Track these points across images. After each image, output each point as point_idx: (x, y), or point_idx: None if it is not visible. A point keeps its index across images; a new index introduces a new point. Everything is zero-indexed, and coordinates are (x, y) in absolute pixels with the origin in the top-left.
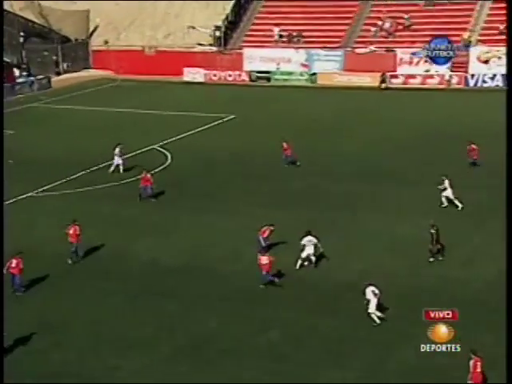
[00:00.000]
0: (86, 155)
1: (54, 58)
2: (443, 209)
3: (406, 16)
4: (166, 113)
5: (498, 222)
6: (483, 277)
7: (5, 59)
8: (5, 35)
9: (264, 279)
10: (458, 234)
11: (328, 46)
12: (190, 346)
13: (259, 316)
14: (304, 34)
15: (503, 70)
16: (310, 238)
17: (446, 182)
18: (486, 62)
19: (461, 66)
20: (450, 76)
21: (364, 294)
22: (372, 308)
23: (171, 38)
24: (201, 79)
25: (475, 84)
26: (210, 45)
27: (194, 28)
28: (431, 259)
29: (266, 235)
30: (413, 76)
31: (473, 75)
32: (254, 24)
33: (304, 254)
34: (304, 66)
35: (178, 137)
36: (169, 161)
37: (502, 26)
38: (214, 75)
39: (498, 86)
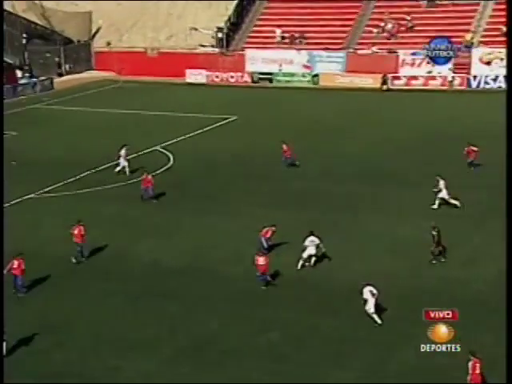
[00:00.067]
0: (89, 156)
1: (57, 59)
2: (443, 210)
3: (408, 17)
4: (168, 114)
5: (498, 222)
6: (483, 277)
7: (7, 60)
8: (7, 36)
9: (260, 280)
10: (458, 235)
11: (330, 47)
12: (192, 347)
13: (260, 317)
14: (306, 35)
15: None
16: (312, 238)
17: (441, 183)
18: (489, 63)
19: (463, 67)
20: (453, 77)
21: (361, 293)
22: (371, 308)
23: (173, 39)
24: (203, 80)
25: (477, 85)
26: (212, 46)
27: (196, 29)
28: (434, 261)
29: (268, 236)
30: (415, 77)
31: (475, 76)
32: (256, 25)
33: (305, 254)
34: (306, 67)
35: (180, 138)
36: (171, 162)
37: (504, 28)
38: (216, 76)
39: (500, 87)
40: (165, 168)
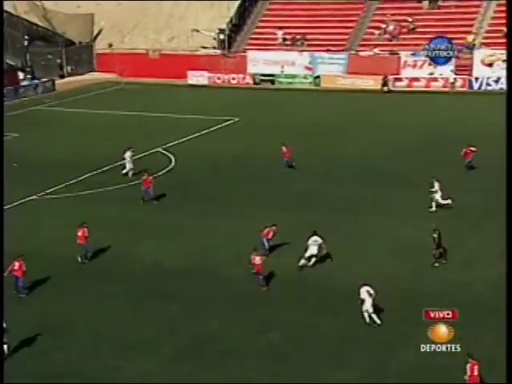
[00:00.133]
0: (91, 158)
1: (58, 61)
2: (442, 212)
3: (409, 19)
4: (170, 116)
5: (495, 224)
6: (483, 279)
7: (9, 62)
8: (9, 38)
9: (259, 279)
10: (456, 237)
11: (332, 48)
12: (192, 348)
13: (260, 317)
14: (308, 36)
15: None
16: (315, 238)
17: (436, 185)
18: (490, 65)
19: (465, 68)
20: (454, 79)
21: (358, 293)
22: (369, 308)
23: (175, 41)
24: (205, 82)
25: (479, 87)
26: (214, 48)
27: (197, 31)
28: (436, 264)
29: (270, 236)
30: (417, 79)
31: (477, 78)
32: (257, 27)
33: (307, 254)
34: (308, 68)
35: (182, 140)
36: (173, 164)
37: (506, 29)
38: (218, 78)
39: (502, 89)
40: (167, 170)
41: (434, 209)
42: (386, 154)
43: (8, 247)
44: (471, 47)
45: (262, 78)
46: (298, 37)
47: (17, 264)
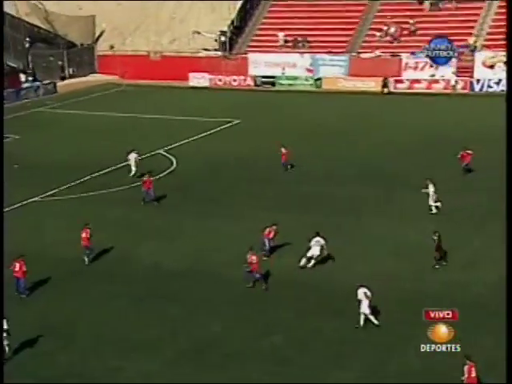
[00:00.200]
0: (92, 160)
1: (60, 63)
2: (444, 213)
3: (411, 21)
4: (171, 117)
5: (498, 225)
6: (484, 281)
7: (10, 64)
8: (10, 40)
9: (252, 278)
10: (458, 238)
11: (333, 50)
12: (193, 350)
13: (262, 319)
14: (309, 38)
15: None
16: (318, 238)
17: (430, 187)
18: (492, 66)
19: (466, 70)
20: (456, 81)
21: (356, 294)
22: (366, 309)
23: (176, 43)
24: (206, 84)
25: (480, 89)
26: (215, 50)
27: (199, 33)
28: (437, 266)
29: (271, 236)
30: (418, 81)
31: (478, 80)
32: (259, 29)
33: (309, 254)
34: (309, 70)
35: (183, 142)
36: (174, 165)
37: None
38: (219, 80)
39: (503, 90)
40: (168, 171)
41: (434, 211)
42: (387, 155)
43: (10, 249)
44: (472, 49)
45: (263, 79)
46: (299, 39)
47: (17, 265)
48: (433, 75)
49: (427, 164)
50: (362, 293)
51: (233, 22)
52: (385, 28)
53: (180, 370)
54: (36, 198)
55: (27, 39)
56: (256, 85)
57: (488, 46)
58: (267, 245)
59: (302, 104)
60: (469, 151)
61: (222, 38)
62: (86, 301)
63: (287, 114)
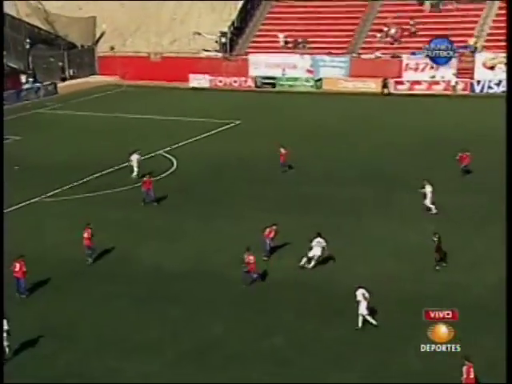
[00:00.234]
0: (93, 160)
1: (60, 64)
2: (445, 214)
3: (411, 22)
4: (172, 118)
5: (499, 226)
6: (485, 282)
7: (11, 65)
8: (11, 41)
9: (247, 278)
10: (459, 239)
11: (333, 52)
12: (194, 351)
13: (263, 321)
14: (309, 39)
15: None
16: (319, 239)
17: (427, 188)
18: (492, 68)
19: (467, 72)
20: (456, 82)
21: (354, 296)
22: (363, 311)
23: (177, 43)
24: (206, 85)
25: (481, 90)
26: (216, 51)
27: (199, 34)
28: (437, 267)
29: (272, 236)
30: (418, 82)
31: (479, 81)
32: (259, 30)
33: (310, 254)
34: (309, 71)
35: (184, 142)
36: (174, 166)
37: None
38: (220, 81)
39: (504, 92)
40: (168, 172)
41: (434, 211)
42: (387, 156)
43: (11, 249)
44: (473, 50)
45: (264, 80)
46: (299, 40)
47: (17, 265)
48: (433, 76)
49: (427, 165)
50: (360, 294)
51: (233, 23)
52: (385, 29)
53: (181, 370)
54: (37, 199)
55: (28, 40)
56: (256, 86)
57: (488, 47)
58: (268, 245)
59: (303, 105)
60: (467, 153)
61: (223, 39)
62: (86, 301)
63: (287, 115)
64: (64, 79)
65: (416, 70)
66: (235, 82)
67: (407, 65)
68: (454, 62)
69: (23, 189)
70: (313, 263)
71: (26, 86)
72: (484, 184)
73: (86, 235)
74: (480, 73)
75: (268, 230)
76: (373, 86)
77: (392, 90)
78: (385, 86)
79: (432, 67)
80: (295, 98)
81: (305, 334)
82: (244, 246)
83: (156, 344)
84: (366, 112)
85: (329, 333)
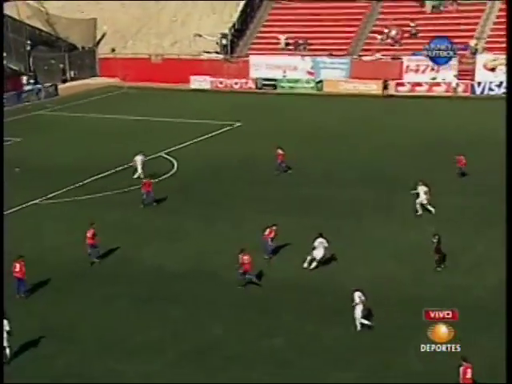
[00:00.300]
0: (93, 162)
1: (61, 65)
2: (445, 215)
3: (412, 24)
4: (173, 120)
5: (499, 228)
6: (484, 283)
7: (12, 67)
8: (12, 43)
9: (241, 279)
10: (460, 240)
11: (334, 53)
12: (195, 352)
13: (263, 322)
14: (310, 41)
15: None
16: (321, 239)
17: (420, 188)
18: (493, 69)
19: (467, 73)
20: (457, 84)
21: (352, 299)
22: (358, 314)
23: (178, 45)
24: (207, 87)
25: (482, 92)
26: (217, 52)
27: (200, 36)
28: (438, 269)
29: (272, 235)
30: (419, 84)
31: (479, 83)
32: (260, 32)
33: (314, 254)
34: (310, 73)
35: (185, 144)
36: (175, 168)
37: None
38: (221, 83)
39: (504, 93)
40: (169, 174)
41: (433, 210)
42: (387, 158)
43: (11, 251)
44: (474, 51)
45: (265, 82)
46: (300, 41)
47: (17, 266)
48: (434, 78)
49: (428, 167)
50: (357, 297)
51: (234, 25)
52: (386, 31)
53: (181, 371)
54: (37, 201)
55: (28, 42)
56: (257, 87)
57: (489, 49)
58: (269, 245)
59: (303, 107)
60: (462, 156)
61: (224, 41)
62: (87, 302)
63: (288, 116)
64: (65, 81)
65: (417, 71)
66: (236, 83)
67: (408, 66)
68: (454, 63)
69: (23, 190)
70: (314, 264)
71: (27, 88)
72: (484, 185)
73: (89, 235)
74: (481, 74)
75: (268, 230)
76: (373, 87)
77: (393, 92)
78: (385, 87)
79: (433, 69)
80: (296, 99)
81: (305, 335)
82: (244, 247)
83: (156, 344)
84: (366, 113)
85: (329, 333)
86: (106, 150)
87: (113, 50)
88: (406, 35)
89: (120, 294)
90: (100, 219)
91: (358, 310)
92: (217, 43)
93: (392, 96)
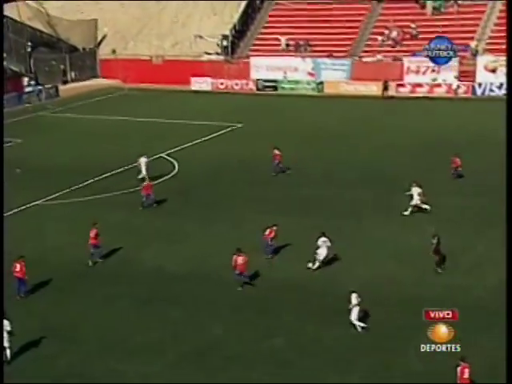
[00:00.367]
0: (94, 163)
1: (62, 67)
2: (445, 216)
3: (412, 25)
4: (173, 121)
5: (499, 228)
6: (485, 284)
7: (13, 68)
8: (13, 44)
9: (238, 279)
10: (460, 241)
11: (335, 54)
12: (195, 352)
13: (263, 322)
14: (311, 42)
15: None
16: (324, 238)
17: (413, 190)
18: (494, 70)
19: (468, 74)
20: (457, 85)
21: (349, 301)
22: (353, 317)
23: (178, 47)
24: (208, 88)
25: (482, 93)
26: (217, 54)
27: (201, 37)
28: (439, 270)
29: (272, 235)
30: (420, 85)
31: (480, 84)
32: (261, 33)
33: (318, 254)
34: (311, 74)
35: (185, 145)
36: (176, 169)
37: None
38: (221, 84)
39: (505, 94)
40: (170, 175)
41: (408, 213)
42: (388, 159)
43: (12, 251)
44: (474, 53)
45: (265, 83)
46: (301, 43)
47: (18, 266)
48: (435, 79)
49: (428, 167)
50: (354, 298)
51: (235, 26)
52: (386, 32)
53: (181, 371)
54: (38, 202)
55: (29, 43)
56: (258, 89)
57: (490, 50)
58: (270, 246)
59: (304, 108)
60: (457, 158)
61: (224, 42)
62: (88, 303)
63: (289, 117)
64: (65, 82)
65: (417, 72)
66: (237, 84)
67: (408, 67)
68: (455, 64)
69: (25, 191)
70: (317, 264)
71: (28, 89)
72: (484, 186)
73: (92, 235)
74: (481, 76)
75: (268, 230)
76: (374, 88)
77: (393, 93)
78: (385, 88)
79: (433, 70)
80: (297, 100)
81: (305, 335)
82: (245, 248)
83: (157, 345)
84: (366, 114)
85: (329, 334)
86: (107, 151)
87: (113, 52)
88: (407, 36)
89: (121, 295)
90: (101, 220)
91: (355, 312)
92: (217, 44)
93: (392, 97)
